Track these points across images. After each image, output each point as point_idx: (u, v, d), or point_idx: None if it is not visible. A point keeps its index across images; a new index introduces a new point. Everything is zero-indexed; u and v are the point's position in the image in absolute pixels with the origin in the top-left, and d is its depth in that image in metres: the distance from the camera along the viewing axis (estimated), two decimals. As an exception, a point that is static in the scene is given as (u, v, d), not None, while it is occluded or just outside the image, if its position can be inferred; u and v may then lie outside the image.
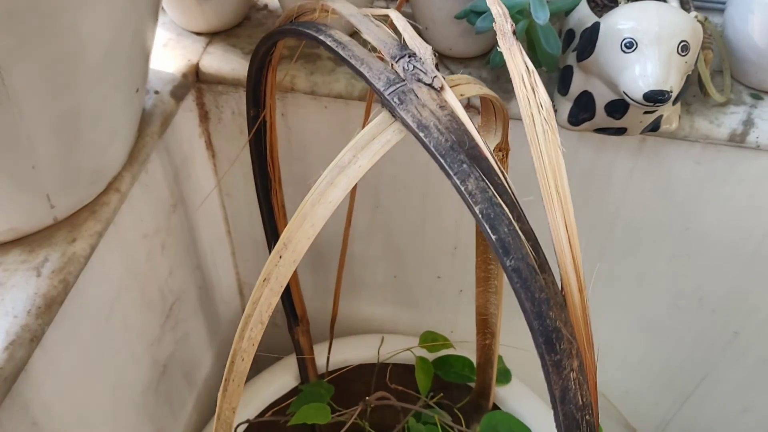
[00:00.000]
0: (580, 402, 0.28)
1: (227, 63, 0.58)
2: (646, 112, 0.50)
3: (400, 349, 0.70)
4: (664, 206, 0.61)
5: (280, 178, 0.56)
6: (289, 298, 0.67)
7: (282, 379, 0.74)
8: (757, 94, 0.56)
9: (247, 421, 0.65)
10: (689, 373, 0.79)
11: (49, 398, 0.46)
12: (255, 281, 0.31)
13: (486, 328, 0.60)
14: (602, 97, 0.50)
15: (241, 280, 0.80)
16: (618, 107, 0.49)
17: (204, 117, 0.62)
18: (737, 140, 0.54)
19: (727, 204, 0.59)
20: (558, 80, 0.53)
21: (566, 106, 0.52)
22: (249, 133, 0.51)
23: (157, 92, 0.55)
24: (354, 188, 0.61)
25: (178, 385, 0.68)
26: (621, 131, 0.52)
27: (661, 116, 0.51)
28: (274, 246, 0.31)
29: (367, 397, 0.62)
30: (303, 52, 0.59)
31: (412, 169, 0.63)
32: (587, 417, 0.28)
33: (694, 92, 0.56)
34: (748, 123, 0.54)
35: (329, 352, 0.71)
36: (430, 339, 0.72)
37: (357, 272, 0.75)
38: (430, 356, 0.71)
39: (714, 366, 0.77)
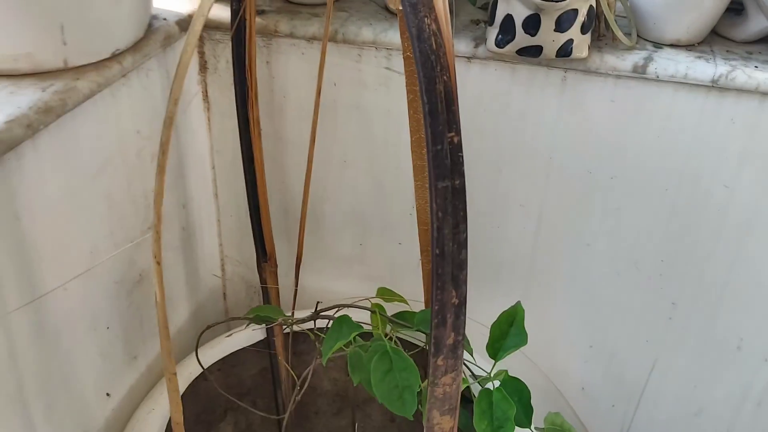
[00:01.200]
0: (434, 45, 0.36)
1: (226, 10, 0.71)
2: (555, 30, 0.61)
3: (359, 297, 0.76)
4: (590, 151, 0.70)
5: (258, 118, 0.67)
6: (260, 233, 0.74)
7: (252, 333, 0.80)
8: (658, 44, 0.67)
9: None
10: (638, 360, 0.82)
11: (34, 205, 0.53)
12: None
13: (428, 247, 0.67)
14: (520, 15, 0.61)
15: (223, 253, 0.87)
16: (532, 22, 0.61)
17: (203, 67, 0.74)
18: (639, 71, 0.64)
19: (642, 147, 0.68)
20: (488, 15, 0.65)
21: (493, 33, 0.64)
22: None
23: (164, 19, 0.67)
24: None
25: (150, 309, 0.74)
26: (538, 50, 0.63)
27: (571, 41, 0.62)
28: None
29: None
30: (285, 6, 0.72)
31: (380, 121, 0.73)
32: (441, 60, 0.36)
33: (606, 41, 0.67)
34: (649, 59, 0.64)
35: (295, 296, 0.77)
36: (387, 294, 0.77)
37: (326, 240, 0.83)
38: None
39: (660, 350, 0.80)
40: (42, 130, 0.52)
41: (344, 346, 0.59)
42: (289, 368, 0.81)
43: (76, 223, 0.59)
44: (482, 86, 0.68)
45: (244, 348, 0.82)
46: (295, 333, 0.81)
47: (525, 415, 0.60)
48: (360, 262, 0.84)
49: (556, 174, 0.72)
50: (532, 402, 0.59)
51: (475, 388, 0.61)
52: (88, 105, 0.57)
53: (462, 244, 0.40)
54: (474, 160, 0.73)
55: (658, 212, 0.71)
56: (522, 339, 0.58)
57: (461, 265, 0.41)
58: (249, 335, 0.80)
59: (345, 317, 0.60)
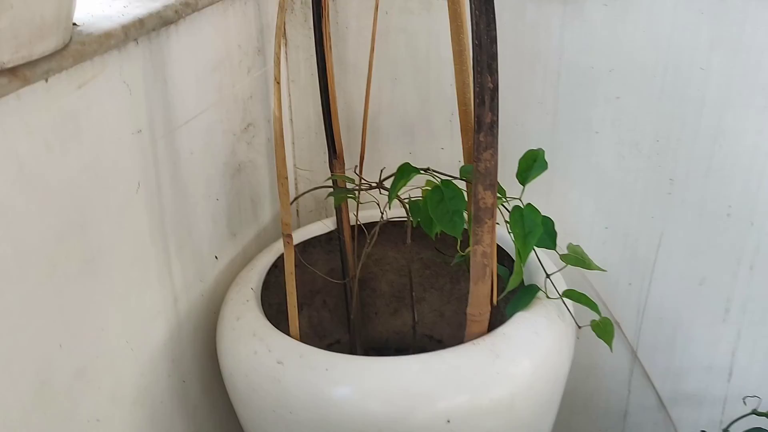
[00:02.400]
0: None
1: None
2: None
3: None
4: (591, 50, 0.88)
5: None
6: (331, 137, 0.93)
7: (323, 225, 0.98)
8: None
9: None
10: (647, 237, 0.97)
11: (176, 75, 0.73)
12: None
13: (468, 124, 0.84)
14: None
15: (296, 167, 1.06)
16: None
17: (282, 6, 0.95)
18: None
19: (632, 41, 0.86)
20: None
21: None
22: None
23: (256, -37, 0.88)
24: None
25: (245, 199, 0.92)
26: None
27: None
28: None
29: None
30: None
31: (423, 40, 0.92)
32: None
33: (597, -40, 0.86)
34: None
35: (359, 185, 0.95)
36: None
37: (382, 150, 1.01)
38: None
39: (664, 225, 0.96)
40: (182, 19, 0.72)
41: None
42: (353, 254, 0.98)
43: (197, 101, 0.78)
44: (501, 3, 0.87)
45: (316, 247, 1.00)
46: (360, 230, 0.98)
47: (550, 237, 0.77)
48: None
49: (565, 72, 0.90)
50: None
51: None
52: (209, 11, 0.77)
53: (493, 40, 0.58)
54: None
55: (650, 97, 0.89)
56: (543, 167, 0.75)
57: (493, 56, 0.59)
58: (320, 227, 0.98)
59: (406, 164, 0.78)
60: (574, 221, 0.99)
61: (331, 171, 0.94)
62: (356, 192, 0.88)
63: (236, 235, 0.91)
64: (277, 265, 0.92)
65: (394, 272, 1.09)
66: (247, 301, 0.81)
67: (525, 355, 0.73)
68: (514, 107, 0.94)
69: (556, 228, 0.76)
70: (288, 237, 0.71)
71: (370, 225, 0.99)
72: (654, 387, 1.08)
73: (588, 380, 1.11)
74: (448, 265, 0.99)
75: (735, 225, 0.93)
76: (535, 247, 0.77)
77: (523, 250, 0.72)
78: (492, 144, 0.62)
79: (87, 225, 0.62)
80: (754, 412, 0.93)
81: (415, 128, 0.99)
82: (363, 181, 0.87)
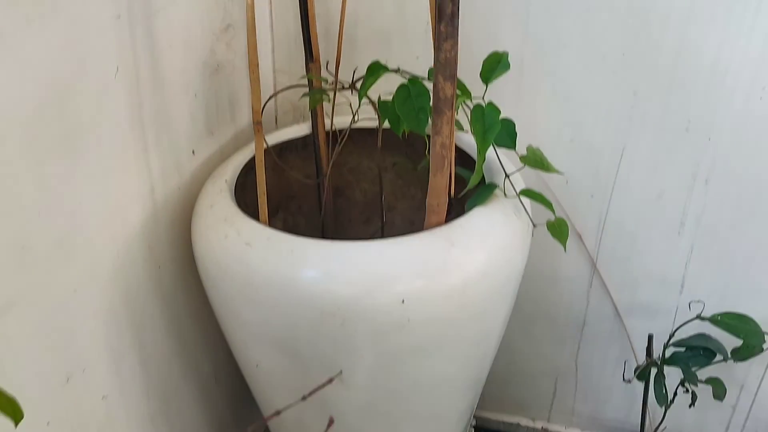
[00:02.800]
0: None
1: None
2: None
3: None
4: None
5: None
6: (308, 41, 0.95)
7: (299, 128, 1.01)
8: None
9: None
10: (610, 150, 1.01)
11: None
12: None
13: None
14: None
15: (276, 71, 1.08)
16: None
17: None
18: None
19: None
20: None
21: None
22: None
23: None
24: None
25: (223, 100, 0.95)
26: None
27: None
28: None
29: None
30: None
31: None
32: None
33: None
34: None
35: (335, 87, 0.98)
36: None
37: (357, 58, 1.03)
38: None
39: (627, 138, 1.00)
40: None
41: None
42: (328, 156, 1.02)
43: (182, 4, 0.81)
44: None
45: (293, 152, 1.03)
46: (334, 135, 1.02)
47: (509, 137, 0.81)
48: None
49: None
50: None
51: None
52: None
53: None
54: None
55: (618, 11, 0.91)
56: (506, 68, 0.78)
57: (454, -53, 0.61)
58: (296, 130, 1.02)
59: (375, 62, 0.81)
60: (541, 132, 1.03)
61: (307, 72, 0.96)
62: (330, 92, 0.91)
63: (213, 133, 0.95)
64: (253, 166, 0.96)
65: (368, 181, 1.13)
66: (221, 191, 0.85)
67: (479, 245, 0.77)
68: (487, 19, 0.96)
69: (523, 138, 0.80)
70: (258, 125, 0.75)
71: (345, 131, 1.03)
72: (611, 297, 1.14)
73: (550, 290, 1.17)
74: (418, 173, 1.02)
75: (693, 140, 0.97)
76: (496, 148, 0.81)
77: (482, 146, 0.76)
78: (452, 34, 0.65)
79: (66, 102, 0.65)
80: (699, 317, 0.99)
81: (392, 37, 1.01)
82: (337, 82, 0.90)
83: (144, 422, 0.90)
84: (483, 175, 0.84)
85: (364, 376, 0.80)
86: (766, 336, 0.95)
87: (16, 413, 0.40)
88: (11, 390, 0.43)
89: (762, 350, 1.01)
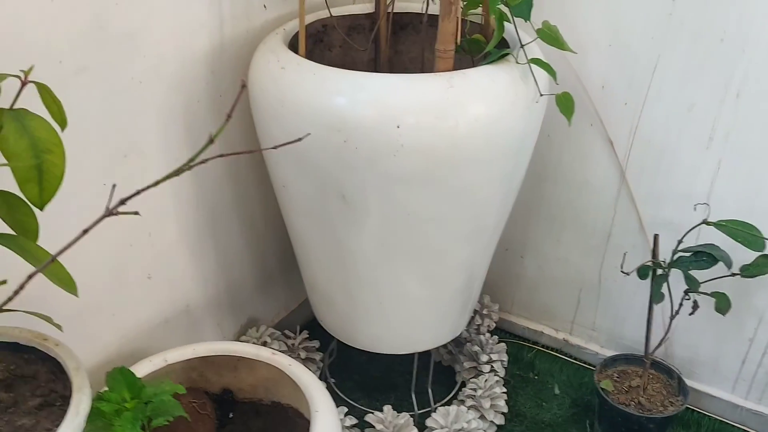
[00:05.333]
0: None
1: None
2: None
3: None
4: None
5: None
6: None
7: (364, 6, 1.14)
8: None
9: None
10: (646, 56, 1.06)
11: None
12: None
13: None
14: None
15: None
16: None
17: None
18: None
19: None
20: None
21: None
22: None
23: None
24: None
25: None
26: None
27: None
28: None
29: None
30: None
31: None
32: None
33: None
34: None
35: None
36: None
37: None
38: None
39: (662, 46, 1.04)
40: None
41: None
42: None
43: None
44: None
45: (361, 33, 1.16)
46: (395, 16, 1.14)
47: (527, 7, 0.89)
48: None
49: None
50: None
51: None
52: None
53: None
54: None
55: None
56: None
57: None
58: (361, 8, 1.14)
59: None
60: (582, 34, 1.09)
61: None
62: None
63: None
64: (321, 38, 1.11)
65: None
66: (277, 34, 1.00)
67: (477, 93, 0.87)
68: None
69: (566, 39, 0.88)
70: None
71: (403, 14, 1.15)
72: (637, 209, 1.18)
73: (579, 197, 1.23)
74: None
75: (727, 51, 1.00)
76: (515, 21, 0.90)
77: (492, 5, 0.85)
78: None
79: None
80: (705, 222, 1.02)
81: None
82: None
83: (189, 226, 1.07)
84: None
85: (365, 198, 0.92)
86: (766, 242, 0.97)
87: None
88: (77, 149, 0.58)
89: (772, 269, 1.02)
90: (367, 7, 1.15)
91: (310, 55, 1.06)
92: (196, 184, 1.05)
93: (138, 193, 0.62)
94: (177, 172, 0.58)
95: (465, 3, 0.98)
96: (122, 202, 0.62)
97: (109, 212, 0.62)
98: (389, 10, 1.12)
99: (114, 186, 0.64)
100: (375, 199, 0.92)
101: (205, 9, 0.96)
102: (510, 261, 1.37)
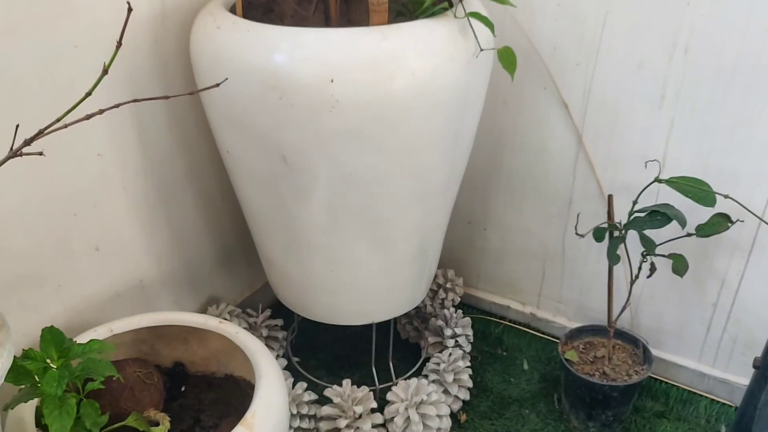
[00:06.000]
0: None
1: None
2: None
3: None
4: None
5: None
6: None
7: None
8: None
9: None
10: (594, 14, 1.05)
11: None
12: None
13: None
14: None
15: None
16: None
17: None
18: None
19: None
20: None
21: None
22: None
23: None
24: None
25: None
26: None
27: None
28: None
29: None
30: None
31: None
32: None
33: None
34: None
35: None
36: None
37: None
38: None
39: (609, 4, 1.03)
40: None
41: None
42: None
43: None
44: None
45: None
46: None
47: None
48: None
49: None
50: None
51: None
52: None
53: None
54: None
55: None
56: None
57: None
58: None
59: None
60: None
61: None
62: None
63: (231, -37, 1.09)
64: (272, 7, 1.10)
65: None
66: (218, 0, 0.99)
67: (411, 46, 0.85)
68: None
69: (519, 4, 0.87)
70: None
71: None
72: (595, 174, 1.17)
73: (538, 164, 1.21)
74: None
75: (673, 4, 0.99)
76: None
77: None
78: None
79: None
80: (657, 180, 1.01)
81: None
82: None
83: (138, 198, 1.06)
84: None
85: (306, 159, 0.91)
86: (717, 197, 0.95)
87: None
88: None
89: (727, 227, 1.01)
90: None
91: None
92: (142, 155, 1.04)
93: (41, 132, 0.61)
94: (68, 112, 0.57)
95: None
96: (27, 142, 0.61)
97: (13, 153, 0.61)
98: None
99: (17, 126, 0.63)
100: (315, 159, 0.90)
101: (145, -25, 0.95)
102: (473, 234, 1.35)
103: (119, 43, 0.52)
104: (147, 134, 1.04)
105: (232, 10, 0.98)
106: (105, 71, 0.53)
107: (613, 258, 1.05)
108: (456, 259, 1.38)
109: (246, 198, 1.05)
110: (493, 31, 0.89)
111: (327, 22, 1.15)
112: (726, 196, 0.95)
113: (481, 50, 0.91)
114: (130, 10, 0.53)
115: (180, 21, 1.03)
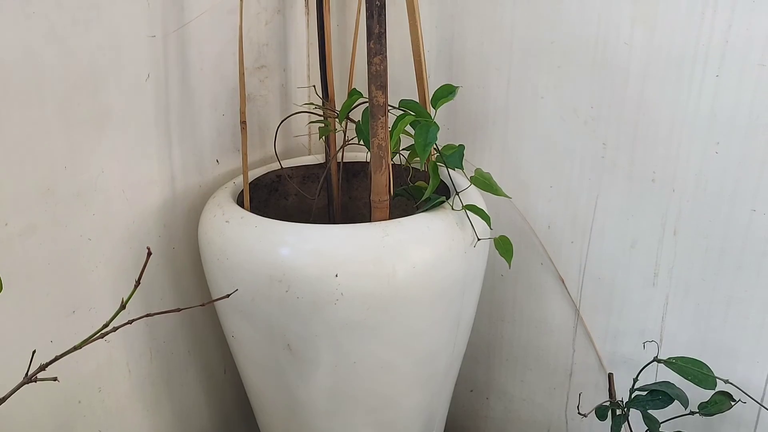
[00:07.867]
0: None
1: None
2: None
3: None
4: (538, 23, 1.04)
5: None
6: (325, 84, 1.15)
7: (316, 158, 1.20)
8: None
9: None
10: (585, 198, 1.10)
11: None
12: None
13: (420, 72, 1.03)
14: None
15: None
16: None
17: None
18: (559, -40, 0.99)
19: (569, 16, 1.02)
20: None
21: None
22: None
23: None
24: None
25: (252, 127, 1.16)
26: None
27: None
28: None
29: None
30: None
31: None
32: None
33: (546, -50, 1.03)
34: (567, -46, 1.00)
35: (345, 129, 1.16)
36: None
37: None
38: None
39: (599, 187, 1.08)
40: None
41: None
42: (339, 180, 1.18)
43: (215, 41, 1.04)
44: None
45: (315, 182, 1.21)
46: (346, 165, 1.19)
47: (459, 159, 0.94)
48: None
49: (516, 42, 1.07)
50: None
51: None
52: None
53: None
54: (463, 38, 1.11)
55: (585, 67, 1.03)
56: (452, 97, 0.92)
57: (379, -17, 0.79)
58: (314, 158, 1.20)
59: (353, 89, 0.98)
60: (524, 178, 1.14)
61: (323, 110, 1.16)
62: (326, 119, 1.09)
63: (240, 150, 1.15)
64: (276, 188, 1.15)
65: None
66: (226, 188, 1.04)
67: (412, 240, 0.89)
68: (477, 72, 1.12)
69: (510, 183, 0.93)
70: (243, 123, 0.94)
71: (353, 163, 1.20)
72: (595, 347, 1.18)
73: (538, 336, 1.23)
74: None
75: (659, 190, 1.04)
76: (449, 170, 0.94)
77: (422, 155, 0.90)
78: (380, 51, 0.81)
79: (99, 89, 0.88)
80: (656, 360, 1.02)
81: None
82: (330, 110, 1.09)
83: (142, 378, 1.06)
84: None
85: (311, 348, 0.92)
86: (717, 381, 0.96)
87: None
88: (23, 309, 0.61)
89: (730, 406, 1.01)
90: (320, 158, 1.20)
91: (266, 204, 1.10)
92: (148, 335, 1.06)
93: (56, 359, 0.63)
94: (88, 341, 0.59)
95: (408, 153, 1.03)
96: (42, 368, 0.63)
97: (28, 379, 0.63)
98: (338, 160, 1.18)
99: (34, 352, 0.64)
100: (320, 348, 0.92)
101: (156, 164, 1.00)
102: (476, 402, 1.35)
103: (138, 282, 0.55)
104: (154, 317, 1.05)
105: (238, 192, 1.03)
106: (123, 306, 0.56)
107: (617, 438, 1.04)
108: (459, 427, 1.36)
109: (249, 378, 1.05)
110: (489, 224, 0.93)
111: (329, 200, 1.21)
112: (726, 381, 0.96)
113: (479, 240, 0.95)
114: (149, 254, 0.56)
115: (189, 206, 1.07)
